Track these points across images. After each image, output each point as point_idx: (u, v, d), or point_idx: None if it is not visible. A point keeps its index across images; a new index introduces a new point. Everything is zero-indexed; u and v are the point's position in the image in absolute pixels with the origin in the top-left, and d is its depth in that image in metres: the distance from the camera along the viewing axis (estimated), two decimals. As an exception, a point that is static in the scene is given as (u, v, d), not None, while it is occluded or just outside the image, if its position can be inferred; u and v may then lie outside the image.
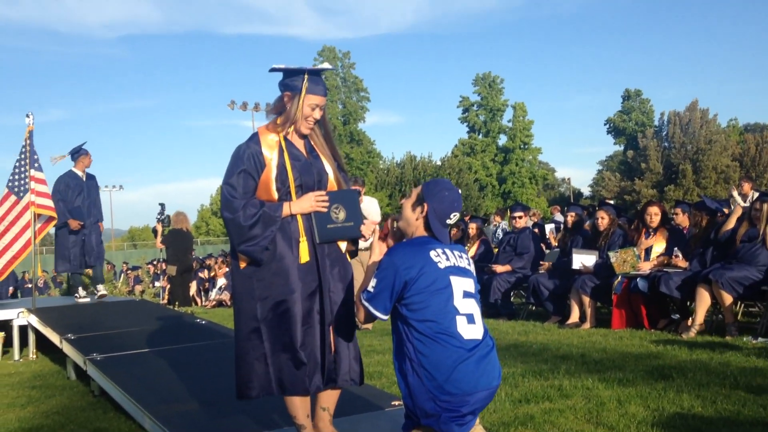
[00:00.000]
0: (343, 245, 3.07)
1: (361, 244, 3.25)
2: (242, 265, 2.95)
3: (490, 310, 8.74)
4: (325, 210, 2.94)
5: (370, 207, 7.52)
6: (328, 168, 3.08)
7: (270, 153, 2.94)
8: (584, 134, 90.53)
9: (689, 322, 6.36)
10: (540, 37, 76.30)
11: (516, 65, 76.11)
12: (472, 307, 2.63)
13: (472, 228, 9.95)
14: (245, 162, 2.91)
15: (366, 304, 2.64)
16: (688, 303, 6.66)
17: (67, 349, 5.92)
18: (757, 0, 70.26)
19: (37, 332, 7.48)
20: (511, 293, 9.12)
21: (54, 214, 8.31)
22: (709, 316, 6.52)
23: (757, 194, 7.85)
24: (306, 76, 2.96)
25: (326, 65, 3.20)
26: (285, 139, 3.00)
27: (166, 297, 13.33)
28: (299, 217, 2.93)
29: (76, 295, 8.91)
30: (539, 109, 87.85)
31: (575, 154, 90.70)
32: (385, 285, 2.59)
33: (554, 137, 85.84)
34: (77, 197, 8.53)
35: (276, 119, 3.06)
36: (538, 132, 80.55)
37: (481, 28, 75.50)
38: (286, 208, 2.91)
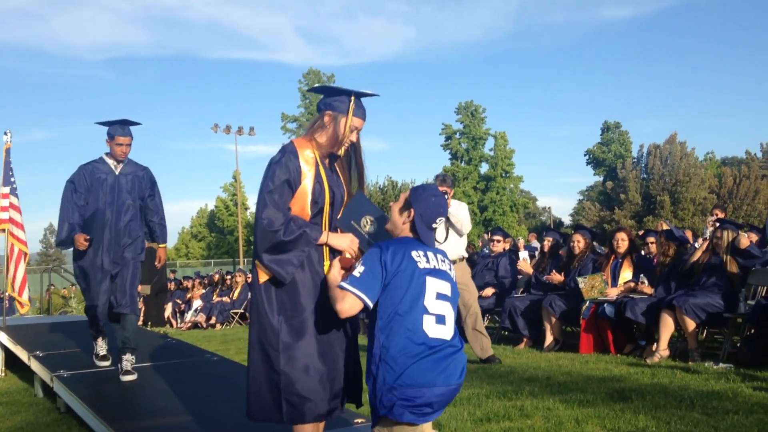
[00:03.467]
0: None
1: None
2: (262, 278, 2.87)
3: (462, 334, 8.81)
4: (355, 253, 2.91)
5: (459, 212, 6.68)
6: (344, 187, 3.08)
7: (307, 168, 2.90)
8: (565, 164, 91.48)
9: (654, 347, 6.49)
10: (522, 69, 77.44)
11: (498, 95, 77.00)
12: (445, 309, 2.65)
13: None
14: (290, 173, 2.85)
15: (352, 288, 2.57)
16: (653, 329, 6.79)
17: (34, 366, 5.90)
18: (733, 39, 71.93)
19: (6, 350, 7.43)
20: (485, 317, 9.20)
21: (26, 249, 7.48)
22: (674, 342, 6.65)
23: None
24: (353, 99, 2.95)
25: (371, 91, 3.09)
26: (320, 155, 2.98)
27: (141, 317, 13.26)
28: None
29: (95, 354, 5.74)
30: (521, 139, 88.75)
31: (556, 184, 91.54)
32: (374, 271, 2.59)
33: (536, 167, 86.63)
34: (97, 200, 5.40)
35: (314, 135, 3.00)
36: (519, 161, 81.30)
37: (466, 59, 76.32)
38: (324, 237, 2.87)
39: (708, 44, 72.19)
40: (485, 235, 15.09)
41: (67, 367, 5.43)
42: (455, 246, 6.43)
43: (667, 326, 6.36)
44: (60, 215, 5.39)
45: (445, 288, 2.70)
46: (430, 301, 2.62)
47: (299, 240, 2.79)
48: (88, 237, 5.25)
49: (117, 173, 5.48)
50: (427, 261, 2.69)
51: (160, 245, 5.78)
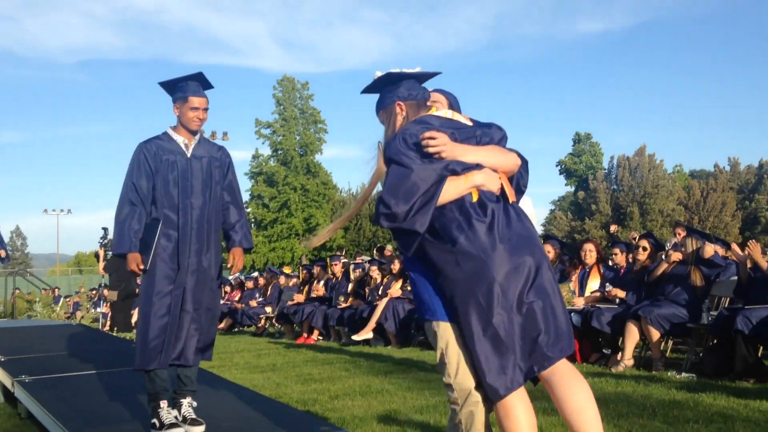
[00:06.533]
0: None
1: None
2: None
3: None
4: None
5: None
6: None
7: None
8: (537, 174, 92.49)
9: (619, 356, 6.58)
10: (497, 80, 78.40)
11: (472, 105, 77.84)
12: None
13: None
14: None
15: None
16: (619, 338, 6.88)
17: (-5, 370, 5.78)
18: (702, 55, 73.49)
19: (-33, 355, 7.26)
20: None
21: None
22: (639, 352, 6.75)
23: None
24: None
25: (434, 71, 2.85)
26: None
27: (108, 323, 13.07)
28: None
29: (155, 422, 3.82)
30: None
31: (529, 194, 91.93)
32: None
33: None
34: (167, 193, 3.89)
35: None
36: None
37: (442, 68, 76.56)
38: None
39: (678, 60, 73.75)
40: None
41: (30, 372, 5.33)
42: None
43: (632, 336, 6.46)
44: (116, 218, 3.89)
45: None
46: None
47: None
48: (142, 265, 3.78)
49: (189, 154, 3.98)
50: None
51: (242, 248, 4.14)
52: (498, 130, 2.72)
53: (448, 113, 2.71)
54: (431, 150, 2.43)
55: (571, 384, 2.45)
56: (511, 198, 2.58)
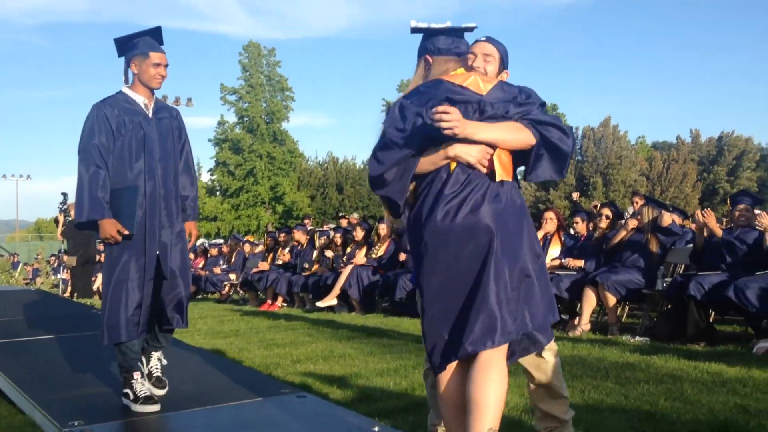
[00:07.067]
0: None
1: None
2: None
3: (395, 308, 8.94)
4: None
5: None
6: None
7: None
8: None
9: (576, 321, 6.74)
10: (465, 48, 77.89)
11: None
12: None
13: (382, 228, 10.13)
14: None
15: None
16: (576, 303, 7.04)
17: (-50, 336, 5.68)
18: (667, 28, 74.16)
19: None
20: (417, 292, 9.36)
21: None
22: (596, 317, 6.92)
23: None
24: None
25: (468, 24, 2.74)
26: None
27: (69, 289, 12.90)
28: None
29: (128, 392, 3.66)
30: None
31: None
32: None
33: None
34: (131, 157, 3.66)
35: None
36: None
37: (409, 36, 76.19)
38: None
39: (643, 32, 74.29)
40: None
41: (-14, 337, 5.26)
42: None
43: (590, 301, 6.62)
44: (78, 186, 3.62)
45: None
46: None
47: None
48: (125, 231, 3.57)
49: (150, 115, 3.74)
50: None
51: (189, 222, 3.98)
52: (522, 104, 2.56)
53: (469, 78, 2.57)
54: (443, 126, 2.35)
55: (481, 377, 2.41)
56: (500, 177, 2.49)
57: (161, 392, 3.78)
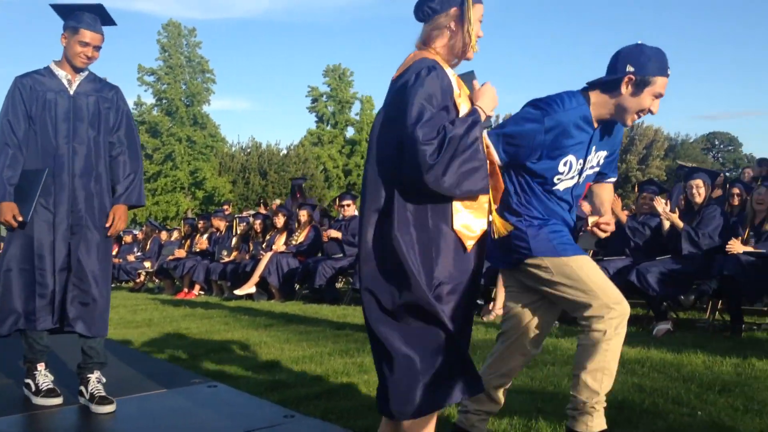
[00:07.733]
0: None
1: None
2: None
3: (315, 295, 8.93)
4: None
5: None
6: None
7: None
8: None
9: (491, 306, 6.91)
10: (390, 34, 78.12)
11: (366, 60, 77.40)
12: None
13: (303, 215, 10.07)
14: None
15: None
16: (492, 289, 7.22)
17: None
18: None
19: None
20: (337, 279, 9.38)
21: None
22: (509, 301, 7.11)
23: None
24: None
25: None
26: None
27: None
28: None
29: (29, 383, 3.58)
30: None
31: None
32: None
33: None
34: (45, 135, 3.47)
35: (435, 49, 2.47)
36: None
37: (334, 21, 75.78)
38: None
39: (552, 19, 76.25)
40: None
41: None
42: None
43: (503, 287, 6.78)
44: None
45: None
46: None
47: None
48: (20, 217, 3.34)
49: (72, 92, 3.56)
50: None
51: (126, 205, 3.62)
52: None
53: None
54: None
55: None
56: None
57: (110, 408, 3.40)
